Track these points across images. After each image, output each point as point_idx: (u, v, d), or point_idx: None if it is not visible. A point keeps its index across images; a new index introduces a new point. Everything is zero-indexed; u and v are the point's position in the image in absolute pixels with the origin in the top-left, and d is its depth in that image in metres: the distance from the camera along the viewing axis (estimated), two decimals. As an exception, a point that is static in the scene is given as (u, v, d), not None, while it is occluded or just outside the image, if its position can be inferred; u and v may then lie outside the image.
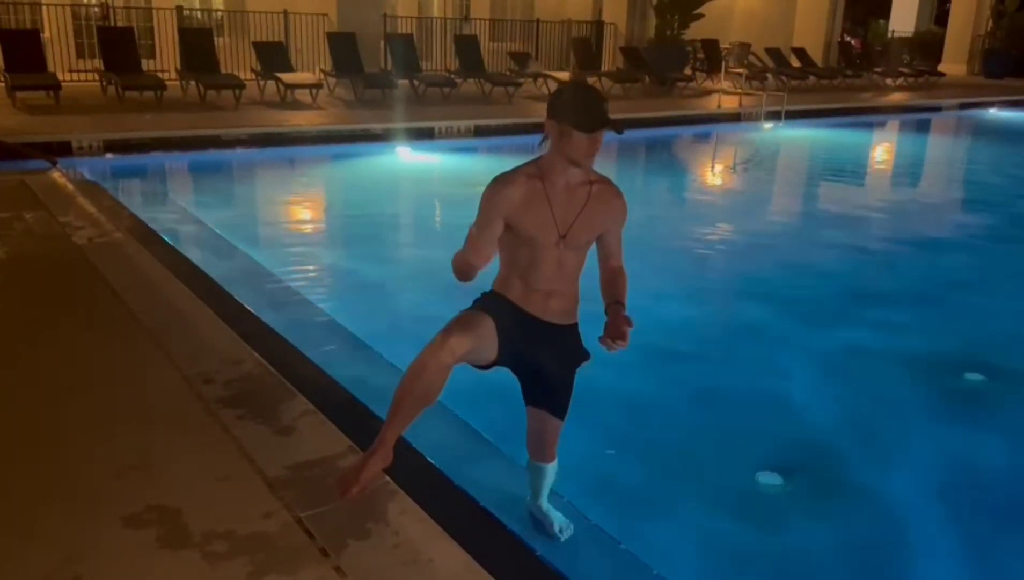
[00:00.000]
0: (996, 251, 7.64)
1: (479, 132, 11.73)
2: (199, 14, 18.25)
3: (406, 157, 10.59)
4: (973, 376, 4.55)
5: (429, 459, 2.98)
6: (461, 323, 2.41)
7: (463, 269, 2.56)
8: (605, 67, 18.03)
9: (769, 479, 3.42)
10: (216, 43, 13.72)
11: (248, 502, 2.59)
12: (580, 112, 2.36)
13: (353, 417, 3.23)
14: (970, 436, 3.99)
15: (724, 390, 4.36)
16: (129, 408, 3.25)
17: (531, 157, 2.60)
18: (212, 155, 9.94)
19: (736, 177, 11.44)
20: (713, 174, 11.72)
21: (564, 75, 15.71)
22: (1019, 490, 3.54)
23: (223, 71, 13.16)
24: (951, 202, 10.64)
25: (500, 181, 2.51)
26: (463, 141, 11.47)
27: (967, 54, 24.13)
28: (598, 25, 19.62)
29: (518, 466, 3.05)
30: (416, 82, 14.29)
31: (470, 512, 2.72)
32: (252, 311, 4.43)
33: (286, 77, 12.98)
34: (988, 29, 24.01)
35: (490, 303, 2.58)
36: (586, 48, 17.85)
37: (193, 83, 12.61)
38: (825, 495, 3.41)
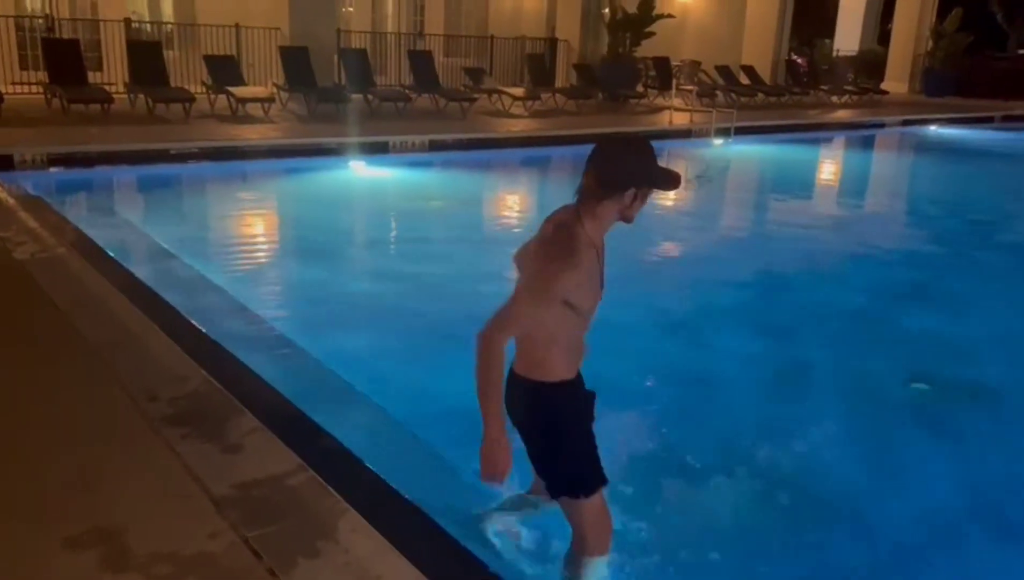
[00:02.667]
0: (939, 262, 7.85)
1: (434, 146, 11.74)
2: (148, 27, 17.99)
3: (360, 171, 10.55)
4: (919, 385, 4.68)
5: (379, 475, 2.96)
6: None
7: (496, 365, 2.27)
8: (558, 83, 18.19)
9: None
10: (165, 56, 13.53)
11: (193, 522, 2.54)
12: (663, 173, 2.34)
13: (302, 434, 3.19)
14: (915, 443, 4.09)
15: (659, 400, 4.39)
16: (72, 426, 3.17)
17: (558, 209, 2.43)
18: (161, 169, 9.78)
19: (687, 193, 11.61)
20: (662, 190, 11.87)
21: (518, 91, 15.81)
22: (960, 495, 3.63)
23: (173, 84, 12.98)
24: (895, 216, 10.93)
25: (570, 261, 2.26)
26: (418, 155, 11.47)
27: (908, 73, 24.86)
28: (551, 42, 19.80)
29: (470, 481, 3.04)
30: (370, 96, 14.25)
31: (421, 528, 2.69)
32: (199, 327, 4.36)
33: (238, 91, 12.84)
34: (928, 49, 24.77)
35: (574, 405, 2.48)
36: (540, 64, 18.00)
37: (141, 96, 12.41)
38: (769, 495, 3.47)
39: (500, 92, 15.81)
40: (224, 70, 13.38)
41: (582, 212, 2.34)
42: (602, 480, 2.52)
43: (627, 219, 2.36)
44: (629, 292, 6.36)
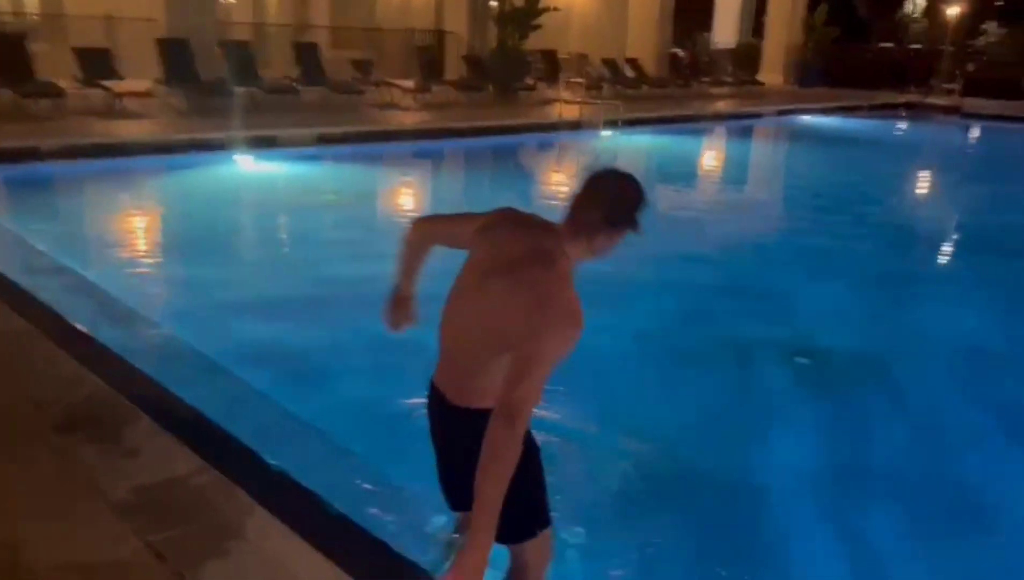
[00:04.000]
0: (816, 244, 8.30)
1: (324, 140, 11.55)
2: (10, 17, 16.91)
3: (248, 167, 10.27)
4: (801, 360, 4.97)
5: (286, 471, 2.94)
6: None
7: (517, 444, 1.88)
8: (449, 76, 18.18)
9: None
10: (30, 48, 12.76)
11: (94, 529, 2.47)
12: (637, 214, 2.14)
13: (203, 435, 3.13)
14: (802, 412, 4.34)
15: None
16: (-49, 441, 3.00)
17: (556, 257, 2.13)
18: (31, 168, 9.25)
19: (576, 182, 11.84)
20: (556, 181, 12.08)
21: (409, 83, 15.72)
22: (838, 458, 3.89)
23: (39, 78, 12.26)
24: (774, 200, 11.49)
25: (580, 321, 2.03)
26: (307, 149, 11.25)
27: (782, 65, 26.05)
28: (440, 34, 19.76)
29: (382, 476, 3.06)
30: (255, 90, 13.87)
31: (333, 522, 2.70)
32: (87, 332, 4.18)
33: (113, 85, 12.26)
34: (799, 41, 26.04)
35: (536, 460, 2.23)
36: (429, 57, 17.94)
37: (8, 92, 11.67)
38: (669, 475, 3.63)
39: (390, 84, 15.68)
40: (97, 63, 12.74)
41: (571, 243, 2.13)
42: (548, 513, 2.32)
43: (602, 256, 2.19)
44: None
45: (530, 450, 2.14)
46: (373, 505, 2.96)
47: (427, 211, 9.69)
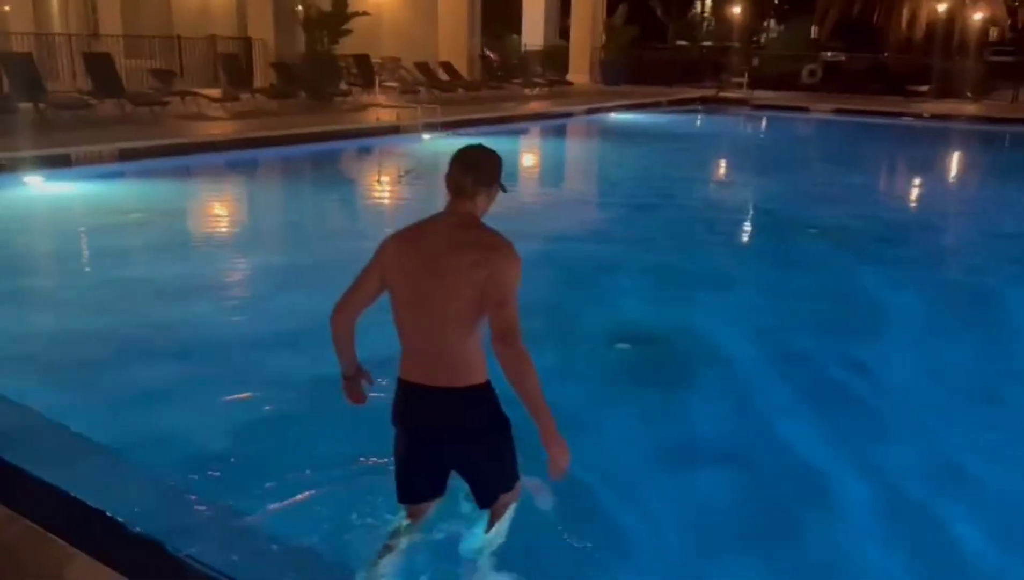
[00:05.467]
0: (633, 236, 8.73)
1: (125, 156, 10.81)
2: None
3: (39, 188, 9.46)
4: (623, 345, 5.21)
5: (108, 512, 2.74)
6: None
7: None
8: (257, 83, 17.57)
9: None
10: None
11: None
12: (499, 171, 2.70)
13: (6, 481, 2.86)
14: (626, 397, 4.55)
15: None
16: None
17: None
18: None
19: (403, 188, 11.81)
20: (379, 185, 11.98)
21: (214, 92, 15.04)
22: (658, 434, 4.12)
23: None
24: (590, 195, 11.97)
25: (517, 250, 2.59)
26: (107, 167, 10.49)
27: (588, 64, 27.15)
28: (245, 41, 19.06)
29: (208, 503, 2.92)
30: (42, 105, 12.79)
31: (164, 562, 2.54)
32: None
33: None
34: (602, 42, 27.24)
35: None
36: (235, 64, 17.25)
37: None
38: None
39: (194, 94, 14.95)
40: None
41: (476, 211, 2.64)
42: None
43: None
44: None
45: (507, 423, 2.66)
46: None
47: (238, 221, 9.37)
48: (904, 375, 5.03)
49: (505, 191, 2.76)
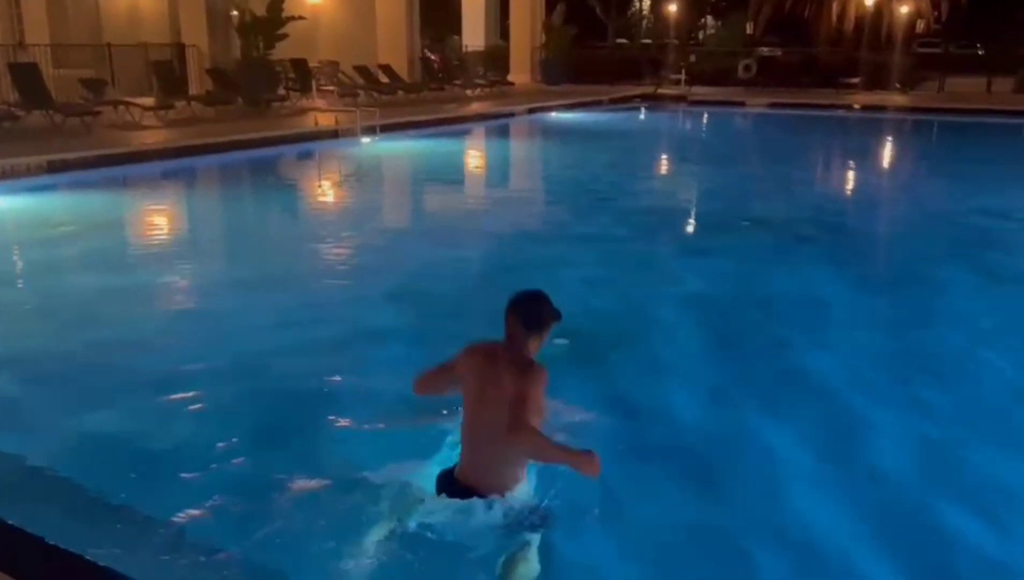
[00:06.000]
0: (575, 232, 8.80)
1: (55, 168, 10.53)
2: None
3: (-36, 204, 9.17)
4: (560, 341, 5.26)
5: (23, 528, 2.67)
6: None
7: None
8: (193, 91, 17.26)
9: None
10: None
11: None
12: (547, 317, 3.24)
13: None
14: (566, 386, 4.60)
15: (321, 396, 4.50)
16: None
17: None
18: None
19: (343, 192, 11.73)
20: (319, 190, 11.88)
21: (148, 101, 14.75)
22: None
23: None
24: (531, 193, 12.03)
25: (545, 369, 3.11)
26: (36, 179, 10.21)
27: (529, 64, 27.28)
28: (179, 48, 18.71)
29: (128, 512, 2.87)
30: (-35, 118, 12.40)
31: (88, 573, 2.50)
32: None
33: None
34: (542, 42, 27.39)
35: None
36: (168, 71, 16.92)
37: None
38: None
39: (127, 103, 14.62)
40: None
41: (528, 352, 3.16)
42: None
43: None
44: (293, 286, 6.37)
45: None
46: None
47: (177, 231, 9.21)
48: (837, 359, 5.17)
49: (560, 321, 3.26)
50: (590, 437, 4.01)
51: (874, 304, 6.43)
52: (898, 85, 24.32)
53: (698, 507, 3.54)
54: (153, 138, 12.94)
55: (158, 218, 9.70)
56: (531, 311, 3.18)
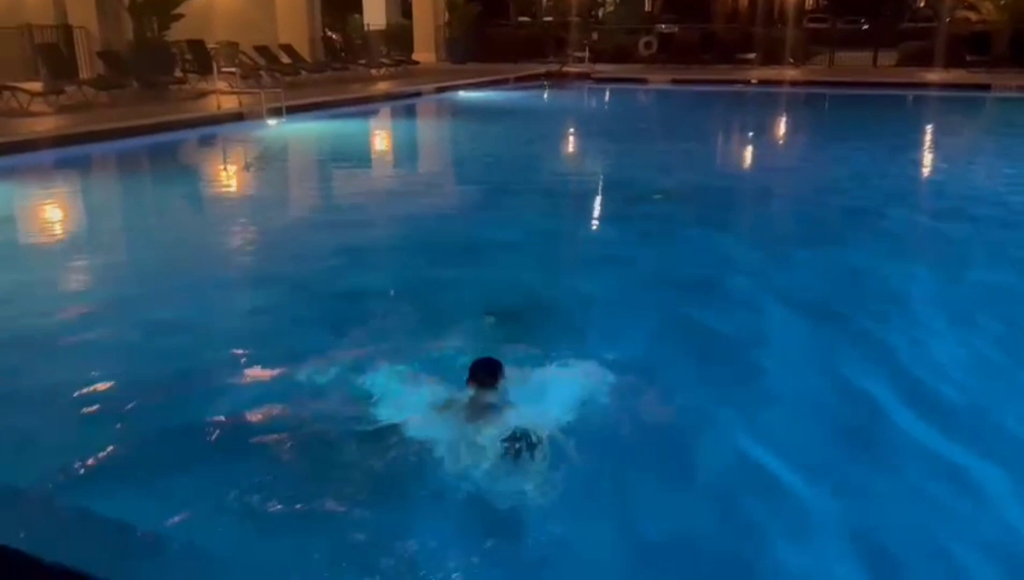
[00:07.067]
0: (489, 212, 8.89)
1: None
2: None
3: None
4: (489, 318, 5.36)
5: None
6: None
7: None
8: (83, 75, 16.48)
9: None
10: None
11: None
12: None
13: None
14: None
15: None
16: None
17: None
18: None
19: (252, 175, 11.47)
20: (225, 175, 11.58)
21: (35, 86, 14.02)
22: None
23: None
24: (444, 174, 12.05)
25: None
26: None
27: (434, 43, 27.08)
28: (65, 29, 17.80)
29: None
30: None
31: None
32: None
33: None
34: (446, 20, 27.22)
35: None
36: (55, 55, 16.10)
37: None
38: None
39: (12, 89, 13.87)
40: None
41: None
42: None
43: None
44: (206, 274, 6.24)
45: None
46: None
47: (81, 222, 8.83)
48: (750, 327, 5.43)
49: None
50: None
51: (777, 265, 6.76)
52: (791, 60, 25.24)
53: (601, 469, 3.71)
54: (42, 126, 12.34)
55: (51, 211, 9.25)
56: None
